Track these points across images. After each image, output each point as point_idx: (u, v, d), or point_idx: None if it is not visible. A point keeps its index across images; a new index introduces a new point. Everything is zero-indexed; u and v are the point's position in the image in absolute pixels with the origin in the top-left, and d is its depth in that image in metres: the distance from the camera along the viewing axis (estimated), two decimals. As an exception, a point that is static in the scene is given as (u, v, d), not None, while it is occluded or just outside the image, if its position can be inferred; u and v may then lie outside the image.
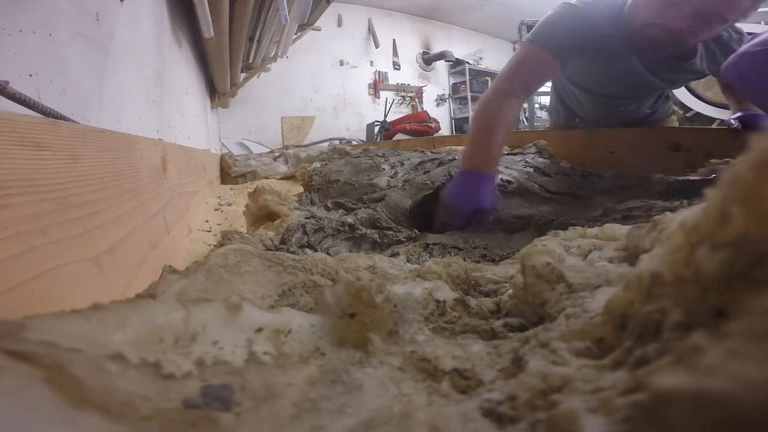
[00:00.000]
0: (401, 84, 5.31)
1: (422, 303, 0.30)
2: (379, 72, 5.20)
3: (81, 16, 0.80)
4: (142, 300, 0.23)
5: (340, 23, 4.89)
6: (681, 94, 2.60)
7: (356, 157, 1.39)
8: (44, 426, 0.14)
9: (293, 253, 0.68)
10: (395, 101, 5.07)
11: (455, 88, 5.79)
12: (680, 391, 0.11)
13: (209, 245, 0.86)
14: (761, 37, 1.01)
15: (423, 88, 5.46)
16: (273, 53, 2.82)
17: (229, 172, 2.13)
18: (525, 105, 4.37)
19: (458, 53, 5.56)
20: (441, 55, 5.43)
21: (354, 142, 4.09)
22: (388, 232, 0.84)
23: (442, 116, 5.41)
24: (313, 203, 1.06)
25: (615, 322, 0.24)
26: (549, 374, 0.19)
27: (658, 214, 0.39)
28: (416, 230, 0.86)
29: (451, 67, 5.72)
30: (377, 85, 5.14)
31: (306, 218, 0.83)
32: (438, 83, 5.73)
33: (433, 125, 4.08)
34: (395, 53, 5.31)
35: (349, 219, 0.87)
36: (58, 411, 0.15)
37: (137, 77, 1.10)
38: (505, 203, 0.97)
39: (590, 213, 0.82)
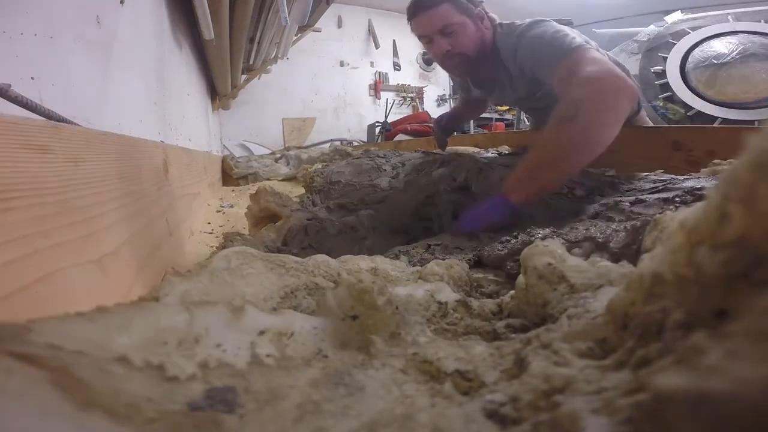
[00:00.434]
0: (402, 84, 5.31)
1: (424, 305, 0.30)
2: (379, 73, 5.19)
3: (81, 18, 0.80)
4: (146, 303, 0.23)
5: (340, 24, 4.89)
6: (682, 92, 2.60)
7: (357, 158, 1.39)
8: (51, 428, 0.14)
9: (295, 254, 0.68)
10: (396, 102, 5.06)
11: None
12: (681, 392, 0.11)
13: (211, 247, 0.86)
14: None
15: (423, 89, 5.45)
16: (273, 55, 2.82)
17: (230, 174, 2.14)
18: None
19: (459, 53, 5.55)
20: (441, 56, 5.42)
21: (355, 143, 4.09)
22: (389, 233, 0.84)
23: (442, 116, 5.41)
24: (314, 204, 1.06)
25: (617, 323, 0.24)
26: (551, 375, 0.19)
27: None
28: (418, 231, 0.85)
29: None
30: (378, 86, 5.13)
31: (308, 219, 0.83)
32: (438, 83, 5.73)
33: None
34: (395, 54, 5.30)
35: (351, 220, 0.87)
36: (64, 413, 0.15)
37: (138, 79, 1.11)
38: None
39: (586, 213, 0.81)
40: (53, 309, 0.34)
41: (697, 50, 2.66)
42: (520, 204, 0.78)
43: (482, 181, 1.08)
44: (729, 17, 2.75)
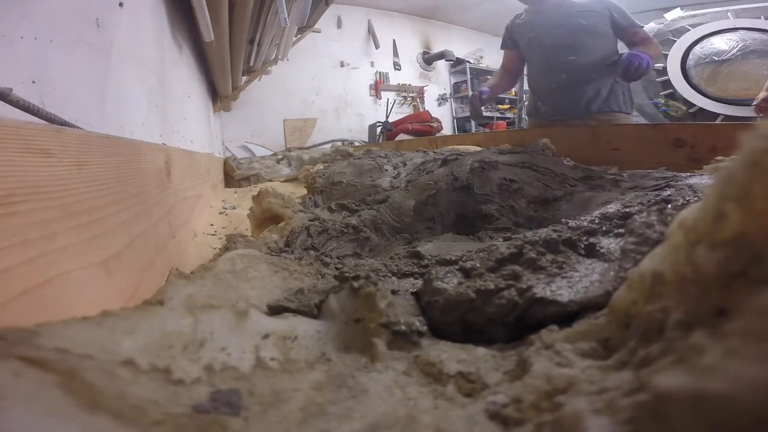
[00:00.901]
0: (402, 84, 5.30)
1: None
2: (379, 73, 5.19)
3: (81, 22, 0.81)
4: (151, 306, 0.23)
5: (339, 25, 4.89)
6: (683, 89, 2.59)
7: (359, 159, 1.39)
8: (58, 429, 0.14)
9: (297, 255, 0.69)
10: (396, 101, 5.06)
11: (456, 88, 5.78)
12: (680, 392, 0.11)
13: (214, 249, 0.86)
14: None
15: (424, 88, 5.45)
16: (273, 56, 2.83)
17: (232, 176, 2.14)
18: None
19: (459, 52, 5.55)
20: (441, 55, 5.42)
21: (356, 144, 4.09)
22: (391, 233, 0.84)
23: (444, 116, 5.40)
24: (316, 205, 1.06)
25: (619, 322, 0.24)
26: (554, 376, 0.19)
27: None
28: (418, 232, 0.85)
29: (452, 66, 5.71)
30: (378, 86, 5.13)
31: (310, 220, 0.83)
32: (439, 83, 5.72)
33: (435, 125, 4.07)
34: (395, 53, 5.30)
35: (353, 221, 0.87)
36: (71, 415, 0.15)
37: (139, 82, 1.11)
38: (509, 204, 0.96)
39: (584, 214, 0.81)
40: (58, 312, 0.35)
41: (697, 47, 2.65)
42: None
43: (484, 180, 1.08)
44: (729, 14, 2.74)
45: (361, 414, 0.19)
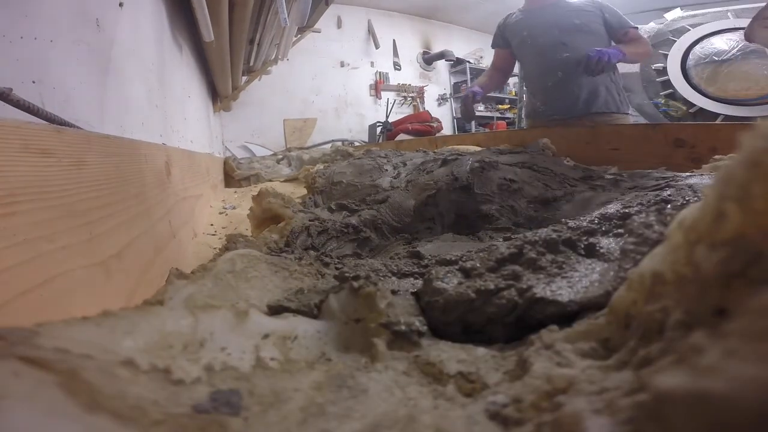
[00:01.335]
0: (402, 84, 5.30)
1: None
2: (379, 72, 5.19)
3: (81, 22, 0.81)
4: (151, 306, 0.23)
5: (339, 25, 4.89)
6: (683, 89, 2.59)
7: (359, 159, 1.39)
8: (59, 429, 0.14)
9: (297, 255, 0.69)
10: (396, 101, 5.06)
11: (456, 88, 5.78)
12: (680, 392, 0.11)
13: (214, 248, 0.86)
14: None
15: (424, 88, 5.45)
16: (273, 56, 2.83)
17: (232, 176, 2.14)
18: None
19: (458, 52, 5.55)
20: (441, 55, 5.42)
21: (356, 144, 4.09)
22: (391, 233, 0.84)
23: (444, 116, 5.40)
24: (316, 205, 1.06)
25: (619, 322, 0.24)
26: (554, 376, 0.19)
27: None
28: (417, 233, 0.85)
29: (452, 66, 5.72)
30: (378, 86, 5.13)
31: (310, 220, 0.83)
32: (439, 83, 5.72)
33: (435, 125, 4.07)
34: (395, 53, 5.30)
35: (353, 221, 0.87)
36: (71, 415, 0.15)
37: (139, 82, 1.11)
38: (509, 204, 0.96)
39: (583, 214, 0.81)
40: (58, 312, 0.35)
41: (697, 47, 2.65)
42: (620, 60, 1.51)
43: (484, 180, 1.08)
44: (729, 14, 2.74)
45: (361, 414, 0.19)
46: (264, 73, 3.17)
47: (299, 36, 2.77)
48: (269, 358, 0.22)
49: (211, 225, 1.16)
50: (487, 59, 5.89)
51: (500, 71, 2.03)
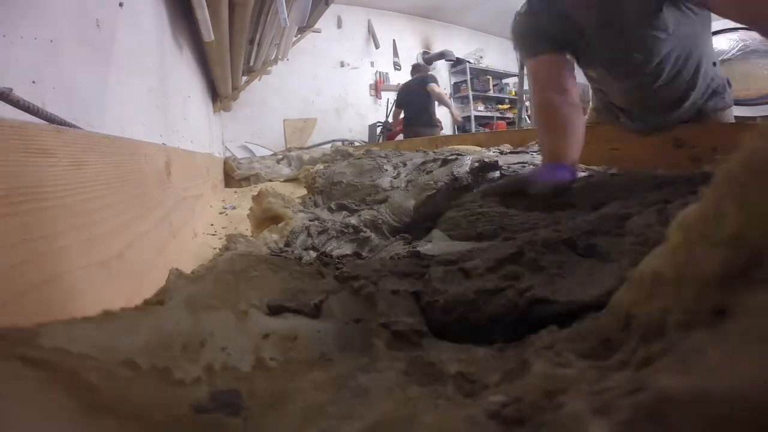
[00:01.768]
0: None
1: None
2: (379, 73, 5.19)
3: (81, 22, 0.81)
4: (151, 307, 0.23)
5: (339, 25, 4.89)
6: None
7: (359, 159, 1.39)
8: (60, 429, 0.14)
9: (298, 255, 0.69)
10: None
11: (456, 88, 5.78)
12: (679, 392, 0.11)
13: (215, 249, 0.86)
14: None
15: (424, 88, 5.45)
16: (273, 56, 2.83)
17: (232, 176, 2.14)
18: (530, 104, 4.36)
19: (458, 52, 5.55)
20: (441, 55, 5.42)
21: (356, 144, 4.09)
22: (391, 233, 0.84)
23: (444, 116, 5.41)
24: (316, 205, 1.06)
25: (620, 322, 0.24)
26: (554, 376, 0.19)
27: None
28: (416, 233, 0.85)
29: (452, 66, 5.72)
30: (378, 86, 5.13)
31: (310, 220, 0.83)
32: (439, 83, 5.73)
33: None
34: (395, 53, 5.30)
35: (353, 221, 0.87)
36: (73, 415, 0.15)
37: (139, 82, 1.11)
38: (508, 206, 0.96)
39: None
40: (59, 312, 0.35)
41: (698, 47, 2.65)
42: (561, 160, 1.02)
43: (484, 179, 1.08)
44: (730, 14, 2.73)
45: (361, 414, 0.19)
46: (264, 73, 3.17)
47: (299, 36, 2.77)
48: (269, 358, 0.22)
49: (212, 225, 1.16)
50: (488, 59, 5.89)
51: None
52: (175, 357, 0.20)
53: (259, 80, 3.40)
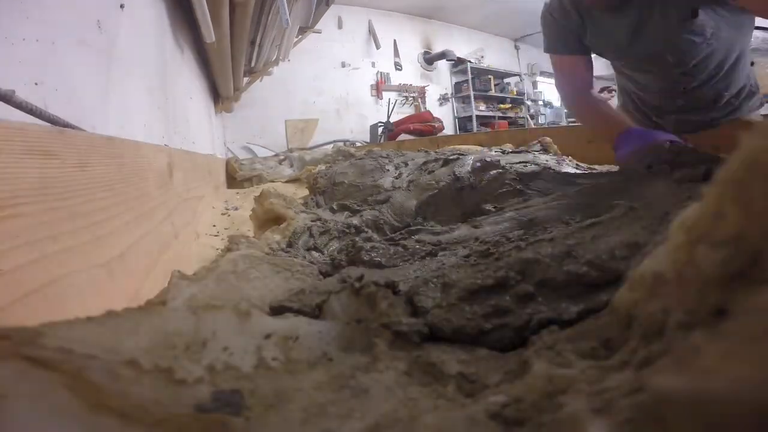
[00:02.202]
0: (403, 84, 5.31)
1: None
2: (380, 73, 5.20)
3: (82, 23, 0.81)
4: (154, 307, 0.24)
5: (340, 25, 4.90)
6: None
7: (360, 159, 1.39)
8: (64, 429, 0.15)
9: (300, 256, 0.69)
10: (398, 102, 5.06)
11: (458, 87, 5.78)
12: (678, 393, 0.11)
13: (217, 249, 0.86)
14: None
15: (425, 88, 5.45)
16: (275, 57, 2.83)
17: (234, 176, 2.14)
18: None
19: (459, 52, 5.55)
20: (442, 55, 5.43)
21: (358, 144, 4.09)
22: (393, 233, 0.84)
23: (445, 116, 5.40)
24: (318, 206, 1.07)
25: (621, 322, 0.24)
26: (554, 376, 0.20)
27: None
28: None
29: (453, 66, 5.72)
30: (379, 86, 5.14)
31: (312, 221, 0.83)
32: (440, 83, 5.73)
33: (436, 125, 4.08)
34: (396, 54, 5.30)
35: (355, 221, 0.87)
36: (76, 414, 0.15)
37: (141, 83, 1.11)
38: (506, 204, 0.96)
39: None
40: (62, 313, 0.35)
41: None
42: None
43: (485, 179, 1.08)
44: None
45: (362, 414, 0.19)
46: (265, 74, 3.18)
47: (300, 37, 2.78)
48: (271, 358, 0.22)
49: (214, 226, 1.16)
50: (488, 59, 5.89)
51: None
52: (177, 357, 0.20)
53: (261, 81, 3.41)
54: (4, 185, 0.32)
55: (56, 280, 0.36)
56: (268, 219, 0.87)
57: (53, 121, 0.56)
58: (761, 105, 1.28)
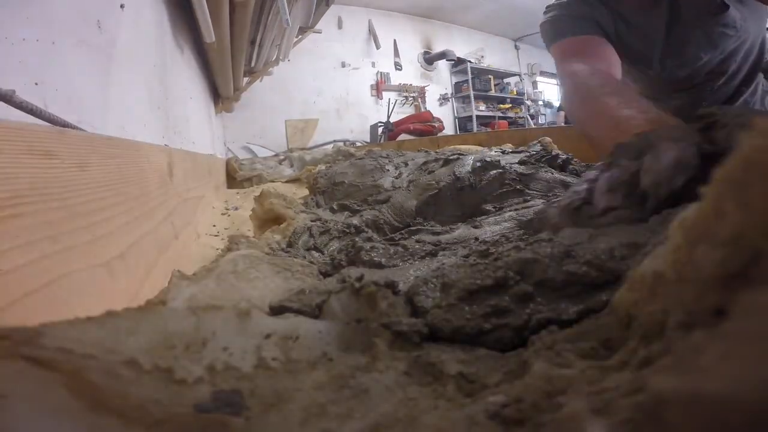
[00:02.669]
0: (403, 84, 5.31)
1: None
2: (380, 73, 5.20)
3: (82, 23, 0.81)
4: (154, 307, 0.24)
5: (340, 25, 4.90)
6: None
7: (360, 159, 1.39)
8: (64, 429, 0.15)
9: (300, 256, 0.69)
10: (398, 102, 5.06)
11: (458, 87, 5.79)
12: (677, 393, 0.11)
13: (217, 249, 0.87)
14: None
15: (425, 88, 5.46)
16: (275, 57, 2.83)
17: (235, 176, 2.14)
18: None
19: (459, 52, 5.55)
20: (442, 55, 5.43)
21: (358, 144, 4.09)
22: (393, 233, 0.84)
23: (445, 116, 5.41)
24: (318, 206, 1.07)
25: (620, 322, 0.24)
26: (554, 376, 0.20)
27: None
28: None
29: (453, 66, 5.73)
30: (379, 86, 5.14)
31: (312, 221, 0.83)
32: (440, 83, 5.73)
33: (436, 125, 4.08)
34: (396, 54, 5.31)
35: (355, 221, 0.87)
36: (76, 414, 0.15)
37: (141, 83, 1.11)
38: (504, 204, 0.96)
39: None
40: (62, 312, 0.35)
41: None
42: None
43: (485, 179, 1.08)
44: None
45: (362, 414, 0.19)
46: (265, 74, 3.18)
47: (300, 37, 2.78)
48: (271, 358, 0.22)
49: (214, 226, 1.16)
50: (488, 59, 5.89)
51: None
52: (177, 357, 0.20)
53: (261, 81, 3.41)
54: (4, 185, 0.32)
55: (56, 280, 0.36)
56: (268, 219, 0.87)
57: (53, 121, 0.56)
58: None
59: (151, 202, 0.66)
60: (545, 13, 1.09)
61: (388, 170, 1.24)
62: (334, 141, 4.39)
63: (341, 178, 1.19)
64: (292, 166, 2.31)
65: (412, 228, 0.79)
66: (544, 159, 1.13)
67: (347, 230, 0.83)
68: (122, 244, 0.50)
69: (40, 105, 0.55)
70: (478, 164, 1.10)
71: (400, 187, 1.08)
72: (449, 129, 5.31)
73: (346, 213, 0.97)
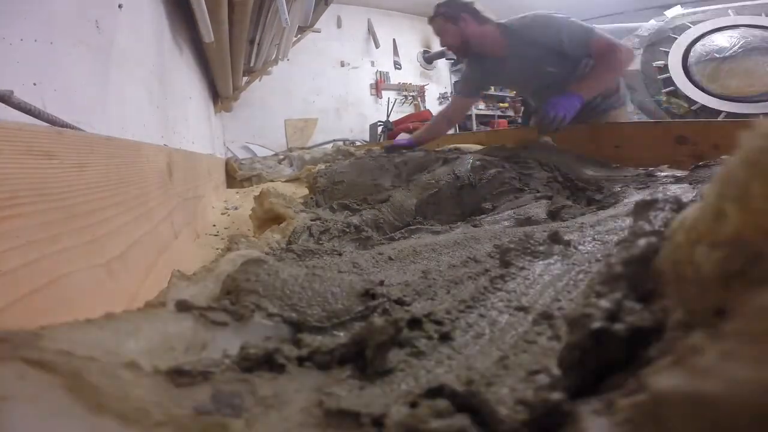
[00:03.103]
0: (403, 83, 5.30)
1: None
2: (380, 72, 5.19)
3: (81, 23, 0.81)
4: (153, 309, 0.24)
5: (339, 24, 4.89)
6: (685, 87, 2.58)
7: (360, 158, 1.39)
8: (64, 430, 0.15)
9: (299, 255, 0.69)
10: (397, 101, 5.05)
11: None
12: (676, 393, 0.11)
13: (217, 249, 0.86)
14: None
15: (425, 87, 5.45)
16: (274, 56, 2.83)
17: (234, 176, 2.14)
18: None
19: (459, 51, 5.54)
20: (442, 54, 5.41)
21: (357, 143, 4.09)
22: (393, 232, 0.84)
23: (444, 115, 5.40)
24: (318, 205, 1.07)
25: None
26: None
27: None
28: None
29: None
30: (379, 85, 5.13)
31: (312, 220, 0.83)
32: (440, 82, 5.72)
33: (436, 124, 4.07)
34: (396, 53, 5.29)
35: (355, 220, 0.87)
36: (76, 416, 0.15)
37: (140, 83, 1.11)
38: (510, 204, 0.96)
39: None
40: (62, 313, 0.35)
41: (698, 44, 2.64)
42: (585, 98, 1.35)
43: (484, 177, 1.08)
44: (730, 11, 2.73)
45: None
46: (264, 73, 3.17)
47: (299, 36, 2.77)
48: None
49: (214, 226, 1.16)
50: (488, 58, 5.89)
51: (452, 122, 2.00)
52: (177, 358, 0.20)
53: (260, 80, 3.40)
54: (4, 186, 0.32)
55: (56, 280, 0.36)
56: (268, 218, 0.87)
57: (52, 121, 0.56)
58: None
59: (150, 202, 0.65)
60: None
61: (388, 169, 1.24)
62: (334, 140, 4.38)
63: (341, 178, 1.19)
64: (291, 165, 2.31)
65: (411, 227, 0.79)
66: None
67: (347, 229, 0.82)
68: (122, 244, 0.50)
69: (38, 105, 0.55)
70: (478, 163, 1.10)
71: (399, 186, 1.08)
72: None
73: (345, 212, 0.97)
